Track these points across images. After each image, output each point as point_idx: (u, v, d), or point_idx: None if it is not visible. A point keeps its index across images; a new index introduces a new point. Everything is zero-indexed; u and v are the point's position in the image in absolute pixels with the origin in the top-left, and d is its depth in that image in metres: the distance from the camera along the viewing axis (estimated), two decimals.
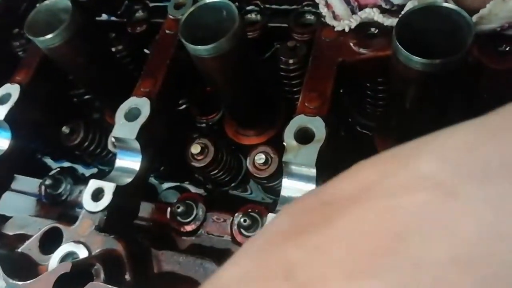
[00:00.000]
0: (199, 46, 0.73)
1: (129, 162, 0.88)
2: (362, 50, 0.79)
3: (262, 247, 0.35)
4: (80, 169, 1.26)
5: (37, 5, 1.27)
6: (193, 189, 1.13)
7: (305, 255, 0.30)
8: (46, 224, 0.87)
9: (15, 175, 1.12)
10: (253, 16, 1.11)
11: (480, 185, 0.26)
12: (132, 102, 0.88)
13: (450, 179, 0.27)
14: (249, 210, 0.89)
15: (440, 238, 0.25)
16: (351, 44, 0.79)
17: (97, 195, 0.83)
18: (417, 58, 0.61)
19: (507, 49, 0.72)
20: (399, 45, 0.62)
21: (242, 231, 0.88)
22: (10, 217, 1.04)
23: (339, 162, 0.97)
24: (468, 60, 0.72)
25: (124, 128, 0.86)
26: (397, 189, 0.29)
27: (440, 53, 0.63)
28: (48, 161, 1.29)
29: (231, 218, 0.90)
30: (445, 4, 0.64)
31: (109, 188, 0.82)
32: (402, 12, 0.67)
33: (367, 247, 0.27)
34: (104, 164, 1.20)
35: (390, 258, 0.25)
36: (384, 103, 0.95)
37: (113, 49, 1.16)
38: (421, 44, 0.67)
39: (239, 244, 0.89)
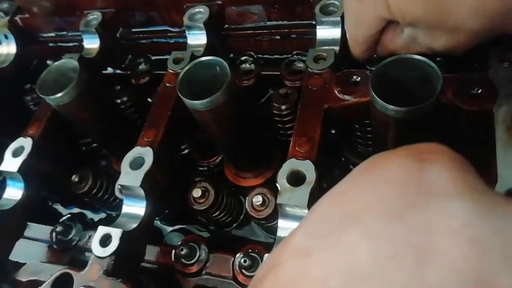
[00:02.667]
0: (195, 101, 0.80)
1: (135, 208, 0.94)
2: (346, 97, 0.85)
3: None
4: (89, 214, 1.31)
5: (48, 62, 1.38)
6: (196, 231, 1.18)
7: None
8: (58, 270, 0.92)
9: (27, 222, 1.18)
10: (247, 65, 1.19)
11: (323, 241, 0.37)
12: (136, 151, 0.95)
13: (305, 244, 0.38)
14: (249, 251, 0.93)
15: (304, 283, 0.36)
16: (336, 91, 0.86)
17: (105, 240, 0.88)
18: (392, 107, 0.67)
19: (479, 91, 0.78)
20: (375, 95, 0.69)
21: (243, 271, 0.92)
22: (23, 264, 1.09)
23: None
24: (443, 103, 0.78)
25: (129, 176, 0.92)
26: (277, 262, 0.40)
27: (416, 97, 0.69)
28: (59, 207, 1.35)
29: (233, 258, 0.94)
30: (415, 56, 0.70)
31: (116, 234, 0.87)
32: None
33: None
34: (111, 209, 1.26)
35: None
36: (372, 142, 1.00)
37: (118, 101, 1.24)
38: (398, 90, 0.74)
39: (241, 284, 0.93)
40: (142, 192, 0.91)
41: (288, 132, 1.06)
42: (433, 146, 0.39)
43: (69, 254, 1.12)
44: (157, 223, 1.21)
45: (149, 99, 1.30)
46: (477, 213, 0.31)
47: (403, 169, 0.36)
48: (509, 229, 0.31)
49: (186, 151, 1.26)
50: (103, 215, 1.30)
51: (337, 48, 0.95)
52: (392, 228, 0.32)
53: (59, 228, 1.10)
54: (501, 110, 0.76)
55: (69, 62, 1.00)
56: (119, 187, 0.97)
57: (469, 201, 0.32)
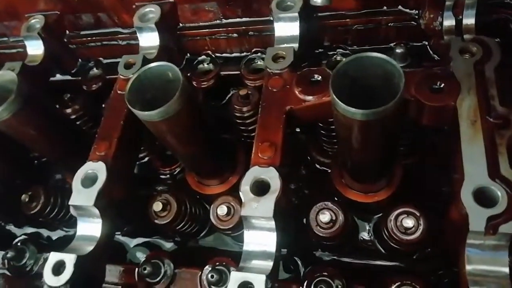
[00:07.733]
0: (146, 112, 0.74)
1: (90, 229, 0.87)
2: (307, 97, 0.81)
3: None
4: (45, 232, 1.23)
5: None
6: (162, 243, 1.11)
7: None
8: None
9: None
10: (205, 65, 1.13)
11: None
12: (88, 167, 0.87)
13: None
14: (217, 264, 0.88)
15: None
16: (297, 92, 0.82)
17: (58, 268, 0.81)
18: (353, 109, 0.63)
19: (442, 86, 0.76)
20: (336, 98, 0.65)
21: (212, 287, 0.87)
22: None
23: (301, 200, 0.98)
24: (406, 99, 0.75)
25: (81, 195, 0.85)
26: None
27: (380, 95, 0.66)
28: (12, 228, 1.26)
29: (200, 273, 0.90)
30: (375, 54, 0.67)
31: (70, 260, 0.80)
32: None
33: None
34: (69, 227, 1.18)
35: None
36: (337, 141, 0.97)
37: (69, 110, 1.16)
38: (360, 89, 0.70)
39: None
40: (96, 211, 0.84)
41: (252, 134, 1.01)
42: None
43: (25, 280, 1.03)
44: (120, 238, 1.14)
45: (103, 105, 1.22)
46: None
47: None
48: None
49: (146, 159, 1.19)
50: (61, 233, 1.21)
51: (296, 45, 0.90)
52: None
53: (10, 254, 1.01)
54: (464, 104, 0.74)
55: (7, 74, 0.91)
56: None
57: None
